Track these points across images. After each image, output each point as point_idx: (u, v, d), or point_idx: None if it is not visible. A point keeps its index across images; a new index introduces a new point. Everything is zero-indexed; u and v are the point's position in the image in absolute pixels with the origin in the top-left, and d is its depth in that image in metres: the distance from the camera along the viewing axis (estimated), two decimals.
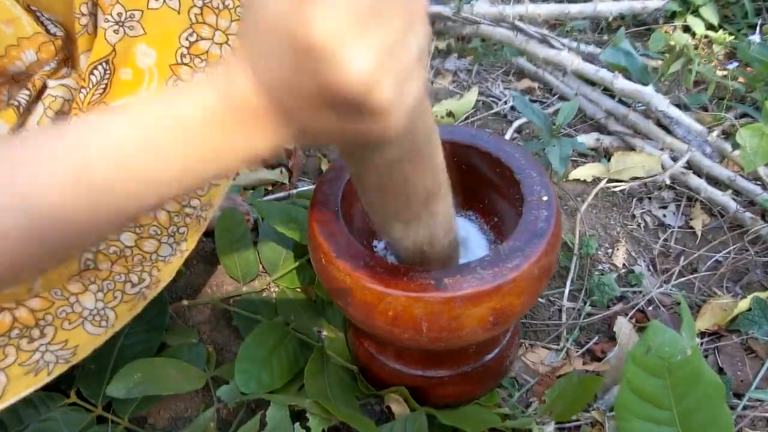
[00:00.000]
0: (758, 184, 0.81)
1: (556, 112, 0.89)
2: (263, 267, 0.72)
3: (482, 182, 0.58)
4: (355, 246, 0.48)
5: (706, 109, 0.94)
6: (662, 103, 0.83)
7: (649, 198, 0.85)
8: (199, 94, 0.31)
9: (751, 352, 0.66)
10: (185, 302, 0.65)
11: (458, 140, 0.57)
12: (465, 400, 0.61)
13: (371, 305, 0.46)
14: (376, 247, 0.60)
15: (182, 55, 0.49)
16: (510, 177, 0.54)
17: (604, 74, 0.90)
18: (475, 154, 0.57)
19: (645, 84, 0.87)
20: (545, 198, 0.51)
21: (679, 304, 0.71)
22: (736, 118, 0.89)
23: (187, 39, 0.48)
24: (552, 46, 0.97)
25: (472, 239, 0.58)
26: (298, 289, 0.70)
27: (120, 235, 0.49)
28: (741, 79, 0.98)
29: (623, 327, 0.67)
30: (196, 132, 0.31)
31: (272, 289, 0.70)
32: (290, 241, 0.71)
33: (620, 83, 0.88)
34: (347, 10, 0.24)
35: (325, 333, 0.67)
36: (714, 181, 0.84)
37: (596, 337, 0.68)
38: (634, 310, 0.70)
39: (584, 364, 0.66)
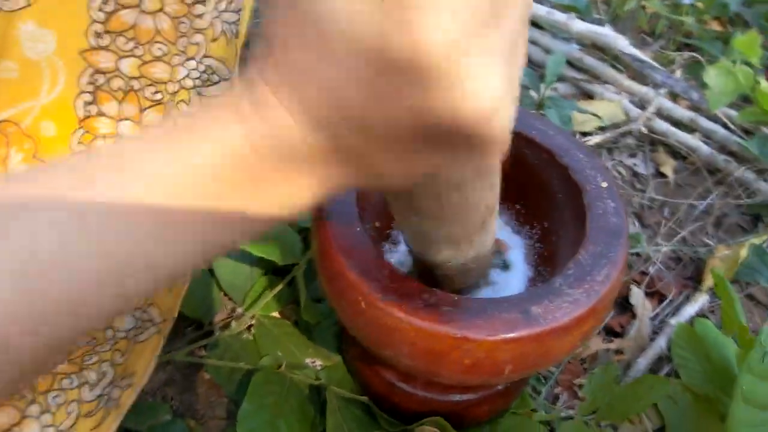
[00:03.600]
0: (718, 124, 0.80)
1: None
2: (225, 294, 0.57)
3: (511, 167, 0.48)
4: (400, 277, 0.37)
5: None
6: (626, 45, 0.77)
7: (618, 148, 0.81)
8: (218, 133, 0.21)
9: (755, 301, 0.65)
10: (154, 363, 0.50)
11: None
12: (501, 413, 0.54)
13: (440, 354, 0.35)
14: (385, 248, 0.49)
15: (97, 34, 0.33)
16: (550, 160, 0.45)
17: (558, 16, 0.82)
18: None
19: (602, 25, 0.81)
20: (605, 184, 0.43)
21: (680, 260, 0.68)
22: (686, 60, 0.87)
23: (101, 9, 0.32)
24: None
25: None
26: (275, 314, 0.57)
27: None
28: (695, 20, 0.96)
29: (639, 297, 0.63)
30: (216, 189, 0.21)
31: (244, 321, 0.56)
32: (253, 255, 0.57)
33: (576, 25, 0.81)
34: (467, 12, 0.17)
35: (319, 362, 0.55)
36: (674, 123, 0.82)
37: (612, 312, 0.63)
38: (639, 275, 0.66)
39: (604, 342, 0.61)
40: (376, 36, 0.17)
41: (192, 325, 0.56)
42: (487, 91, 0.18)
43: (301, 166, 0.21)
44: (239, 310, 0.56)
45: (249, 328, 0.56)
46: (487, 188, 0.31)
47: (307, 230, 0.58)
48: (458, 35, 0.17)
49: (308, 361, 0.55)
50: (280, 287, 0.55)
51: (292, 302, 0.58)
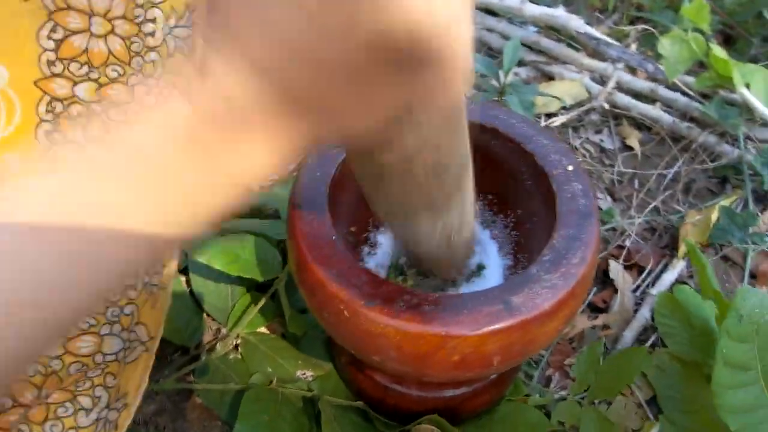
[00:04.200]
0: (676, 91, 0.82)
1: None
2: (209, 314, 0.57)
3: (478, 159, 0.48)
4: (380, 281, 0.37)
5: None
6: (580, 24, 0.78)
7: (583, 126, 0.82)
8: (159, 110, 0.20)
9: (730, 262, 0.67)
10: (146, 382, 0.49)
11: None
12: (496, 401, 0.54)
13: (427, 354, 0.35)
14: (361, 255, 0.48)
15: (49, 62, 0.32)
16: (516, 149, 0.45)
17: (510, 2, 0.83)
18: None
19: (555, 7, 0.82)
20: (570, 167, 0.43)
21: (655, 230, 0.70)
22: (640, 32, 0.88)
23: (49, 38, 0.32)
24: None
25: None
26: (263, 329, 0.57)
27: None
28: None
29: (618, 271, 0.64)
30: (166, 170, 0.20)
31: (231, 341, 0.56)
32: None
33: (529, 9, 0.82)
34: None
35: (310, 373, 0.55)
36: (635, 95, 0.83)
37: (594, 288, 0.64)
38: (617, 249, 0.67)
39: (590, 319, 0.62)
40: None
41: (178, 351, 0.55)
42: (438, 2, 0.17)
43: (257, 128, 0.20)
44: (224, 330, 0.56)
45: (236, 347, 0.55)
46: (459, 134, 0.29)
47: (285, 242, 0.58)
48: None
49: (299, 373, 0.55)
50: (262, 303, 0.55)
51: (278, 316, 0.58)
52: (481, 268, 0.45)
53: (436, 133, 0.27)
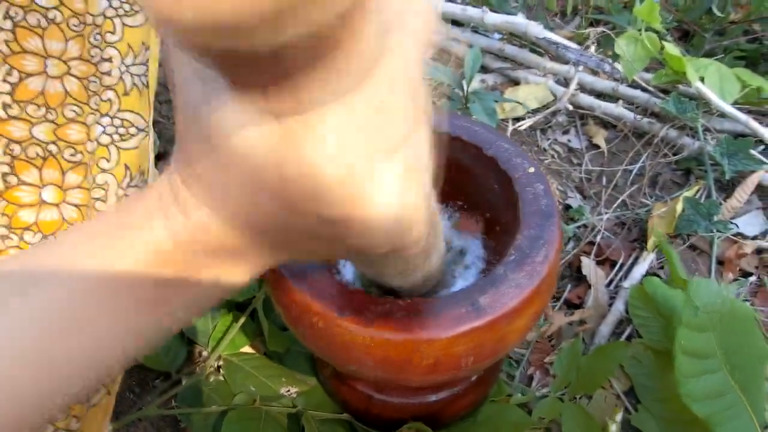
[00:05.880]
0: (637, 89, 0.84)
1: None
2: (189, 338, 0.57)
3: (445, 167, 0.49)
4: (351, 292, 0.38)
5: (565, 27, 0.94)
6: (539, 30, 0.80)
7: (551, 127, 0.84)
8: (141, 234, 0.21)
9: (698, 250, 0.68)
10: (109, 427, 0.49)
11: None
12: (479, 403, 0.55)
13: (402, 360, 0.36)
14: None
15: (5, 105, 0.33)
16: (479, 155, 0.46)
17: (472, 12, 0.85)
18: None
19: (513, 14, 0.84)
20: (531, 169, 0.44)
21: (624, 224, 0.71)
22: (599, 35, 0.91)
23: (5, 80, 0.32)
24: None
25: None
26: (247, 348, 0.57)
27: None
28: None
29: (590, 267, 0.65)
30: (146, 289, 0.22)
31: (213, 363, 0.56)
32: None
33: (490, 18, 0.84)
34: (358, 140, 0.18)
35: (295, 389, 0.56)
36: (598, 95, 0.86)
37: (568, 285, 0.66)
38: (588, 245, 0.69)
39: (566, 315, 0.63)
40: (274, 158, 0.17)
41: (160, 377, 0.55)
42: (390, 197, 0.19)
43: (229, 259, 0.22)
44: (205, 353, 0.56)
45: (218, 369, 0.56)
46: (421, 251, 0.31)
47: None
48: (353, 160, 0.17)
49: (283, 390, 0.55)
50: (241, 322, 0.55)
51: (260, 335, 0.58)
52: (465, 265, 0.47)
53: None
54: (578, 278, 0.66)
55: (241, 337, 0.56)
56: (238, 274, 0.23)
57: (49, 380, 0.21)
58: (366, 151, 0.18)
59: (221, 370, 0.55)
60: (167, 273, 0.21)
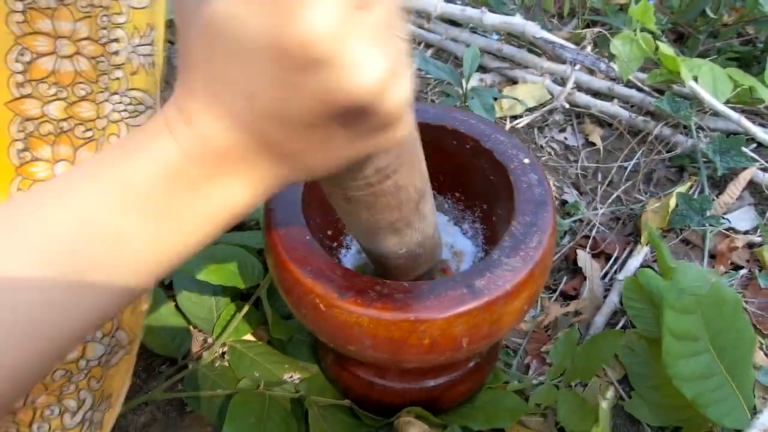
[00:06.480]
0: (632, 88, 0.86)
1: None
2: (194, 326, 0.59)
3: (444, 159, 0.51)
4: (352, 274, 0.39)
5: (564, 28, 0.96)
6: (536, 30, 0.82)
7: (548, 125, 0.86)
8: (150, 150, 0.23)
9: (691, 244, 0.70)
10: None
11: None
12: (477, 390, 0.57)
13: (400, 340, 0.38)
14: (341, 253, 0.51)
15: (19, 84, 0.34)
16: (476, 147, 0.48)
17: (471, 12, 0.87)
18: (426, 130, 0.50)
19: (512, 15, 0.86)
20: (526, 160, 0.46)
21: (619, 219, 0.73)
22: (595, 35, 0.92)
23: (17, 61, 0.34)
24: None
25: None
26: (249, 336, 0.59)
27: None
28: None
29: (586, 260, 0.67)
30: (159, 201, 0.23)
31: (217, 350, 0.57)
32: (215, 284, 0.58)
33: (489, 18, 0.86)
34: (338, 5, 0.20)
35: (297, 376, 0.57)
36: (594, 94, 0.87)
37: (564, 277, 0.67)
38: (584, 239, 0.70)
39: (562, 306, 0.65)
40: (269, 35, 0.19)
41: (166, 363, 0.57)
42: (371, 70, 0.20)
43: (234, 168, 0.23)
44: (210, 339, 0.58)
45: (223, 355, 0.57)
46: (413, 171, 0.33)
47: None
48: (335, 22, 0.19)
49: (286, 376, 0.57)
50: (245, 310, 0.57)
51: (263, 324, 0.60)
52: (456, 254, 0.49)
53: (393, 163, 0.31)
54: (574, 271, 0.68)
55: (244, 325, 0.58)
56: (243, 189, 0.24)
57: (78, 286, 0.22)
58: (351, 20, 0.20)
59: (226, 356, 0.56)
60: (176, 186, 0.23)
